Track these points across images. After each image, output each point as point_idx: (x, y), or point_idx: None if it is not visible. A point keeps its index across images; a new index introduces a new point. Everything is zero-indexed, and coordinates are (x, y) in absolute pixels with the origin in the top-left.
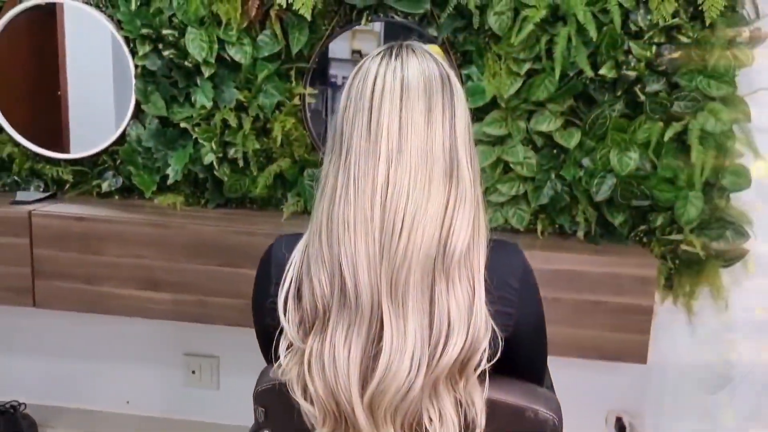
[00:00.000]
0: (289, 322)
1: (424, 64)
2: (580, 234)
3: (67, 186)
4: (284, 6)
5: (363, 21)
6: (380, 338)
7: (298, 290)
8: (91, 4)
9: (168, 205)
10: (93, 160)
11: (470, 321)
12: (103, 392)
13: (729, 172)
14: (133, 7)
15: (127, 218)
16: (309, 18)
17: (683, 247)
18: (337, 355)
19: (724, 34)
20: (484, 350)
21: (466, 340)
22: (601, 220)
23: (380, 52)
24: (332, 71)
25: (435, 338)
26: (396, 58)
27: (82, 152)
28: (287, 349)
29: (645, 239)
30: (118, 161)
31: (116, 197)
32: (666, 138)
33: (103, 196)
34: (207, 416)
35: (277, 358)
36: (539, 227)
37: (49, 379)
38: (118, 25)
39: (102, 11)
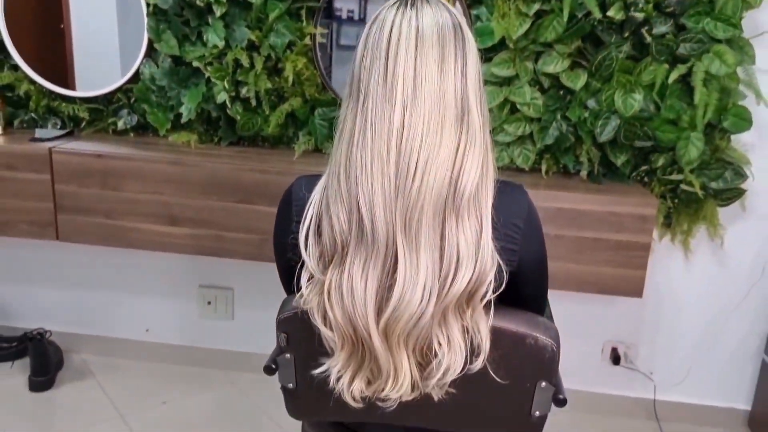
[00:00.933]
0: (310, 255)
1: (438, 14)
2: (584, 173)
3: (84, 123)
4: None
5: None
6: (395, 271)
7: (318, 227)
8: None
9: (182, 143)
10: (108, 98)
11: (478, 255)
12: (124, 321)
13: (731, 114)
14: None
15: (145, 156)
16: None
17: (683, 186)
18: (355, 286)
19: None
20: (490, 282)
21: (473, 273)
22: (604, 160)
23: (396, 2)
24: (337, 4)
25: (445, 271)
26: (411, 7)
27: (94, 90)
28: (308, 281)
29: (646, 179)
30: (133, 99)
31: (131, 135)
32: (670, 80)
33: (119, 134)
34: (222, 344)
35: (299, 289)
36: (544, 167)
37: (74, 309)
38: None
39: None
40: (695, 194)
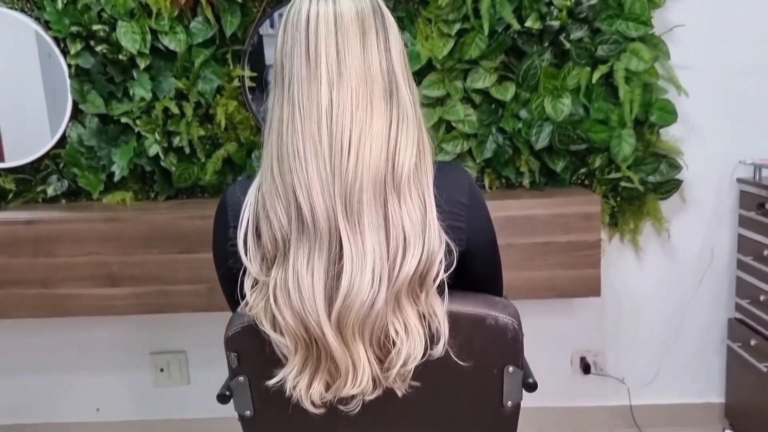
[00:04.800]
0: (250, 259)
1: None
2: (526, 183)
3: (10, 196)
4: None
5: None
6: (341, 257)
7: (257, 228)
8: (15, 8)
9: (117, 203)
10: (35, 167)
11: (425, 234)
12: (71, 403)
13: (656, 108)
14: (59, 6)
15: (78, 216)
16: (240, 1)
17: (623, 183)
18: (301, 280)
19: None
20: (441, 262)
21: (422, 253)
22: (544, 168)
23: None
24: (268, 52)
25: (393, 252)
26: None
27: (22, 159)
28: (252, 287)
29: (587, 181)
30: (61, 164)
31: (63, 201)
32: (594, 81)
33: (50, 201)
34: (180, 413)
35: (243, 296)
36: (487, 182)
37: (14, 396)
38: (46, 25)
39: (27, 14)
40: (636, 190)
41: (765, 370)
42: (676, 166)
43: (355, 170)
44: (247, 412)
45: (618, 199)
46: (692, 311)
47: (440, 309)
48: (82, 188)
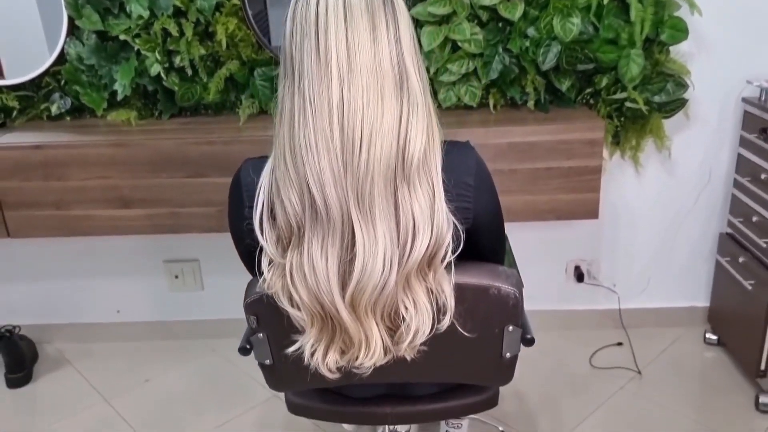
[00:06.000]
0: (267, 240)
1: None
2: (531, 104)
3: (15, 113)
4: None
5: None
6: (353, 245)
7: (272, 211)
8: None
9: (122, 122)
10: (36, 83)
11: (433, 219)
12: (92, 305)
13: (668, 27)
14: None
15: (86, 141)
16: None
17: (627, 104)
18: (316, 265)
19: None
20: (448, 244)
21: (431, 237)
22: (550, 87)
23: None
24: None
25: (403, 238)
26: None
27: (22, 77)
28: (269, 264)
29: (592, 101)
30: (63, 81)
31: (68, 119)
32: (606, 0)
33: (54, 119)
34: (196, 315)
35: (261, 273)
36: (491, 102)
37: (40, 301)
38: None
39: None
40: (640, 110)
41: (749, 287)
42: (683, 86)
43: (367, 165)
44: (267, 361)
45: (622, 119)
46: (686, 226)
47: (447, 285)
48: (86, 106)
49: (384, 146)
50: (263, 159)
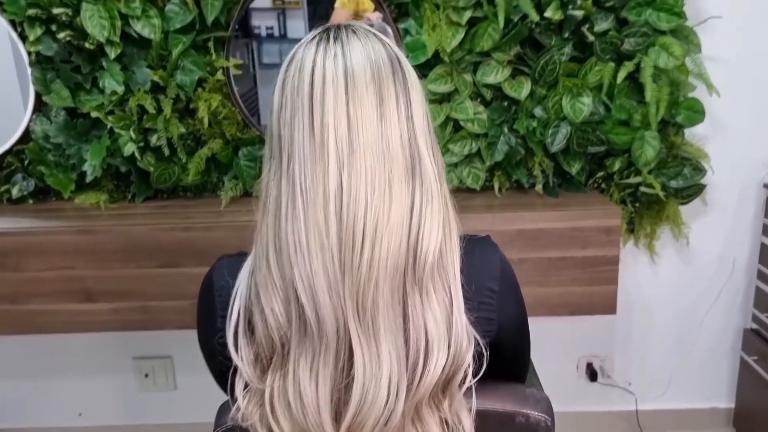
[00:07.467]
0: (243, 360)
1: (368, 46)
2: (539, 187)
3: None
4: None
5: None
6: (351, 366)
7: (249, 322)
8: None
9: (90, 205)
10: None
11: (451, 334)
12: (52, 408)
13: (683, 108)
14: None
15: (47, 227)
16: None
17: (642, 189)
18: (304, 391)
19: None
20: (468, 365)
21: (448, 357)
22: (558, 170)
23: (315, 36)
24: (255, 22)
25: (413, 358)
26: (335, 41)
27: None
28: (245, 389)
29: (603, 185)
30: (27, 161)
31: (30, 201)
32: (619, 79)
33: (15, 202)
34: (167, 418)
35: (235, 399)
36: (496, 185)
37: None
38: (0, 7)
39: None
40: (656, 195)
41: None
42: (700, 170)
43: (370, 268)
44: None
45: (636, 204)
46: (707, 319)
47: (466, 416)
48: (51, 188)
49: (392, 244)
50: (241, 256)
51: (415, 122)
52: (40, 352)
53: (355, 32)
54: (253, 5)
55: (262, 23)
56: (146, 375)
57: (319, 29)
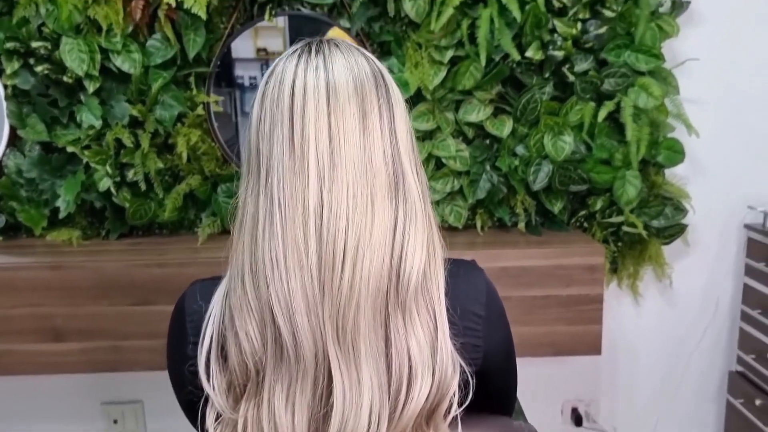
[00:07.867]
0: (214, 389)
1: (351, 59)
2: (521, 225)
3: None
4: (174, 5)
5: (266, 16)
6: (329, 394)
7: (222, 348)
8: None
9: (62, 241)
10: None
11: (435, 360)
12: None
13: (663, 148)
14: None
15: (15, 263)
16: (204, 16)
17: (624, 228)
18: (279, 421)
19: (647, 3)
20: (454, 393)
21: (432, 384)
22: (540, 208)
23: (297, 50)
24: (238, 72)
25: (395, 385)
26: (317, 54)
27: None
28: (216, 420)
29: (585, 224)
30: None
31: (0, 238)
32: (600, 119)
33: None
34: None
35: (205, 430)
36: (478, 223)
37: None
38: None
39: None
40: (638, 235)
41: None
42: (681, 210)
43: (350, 288)
44: None
45: (619, 244)
46: (691, 361)
47: None
48: (22, 224)
49: (374, 262)
50: (215, 280)
51: (399, 138)
52: (3, 395)
53: (337, 46)
54: (236, 56)
55: (245, 73)
56: (115, 421)
57: (301, 43)
